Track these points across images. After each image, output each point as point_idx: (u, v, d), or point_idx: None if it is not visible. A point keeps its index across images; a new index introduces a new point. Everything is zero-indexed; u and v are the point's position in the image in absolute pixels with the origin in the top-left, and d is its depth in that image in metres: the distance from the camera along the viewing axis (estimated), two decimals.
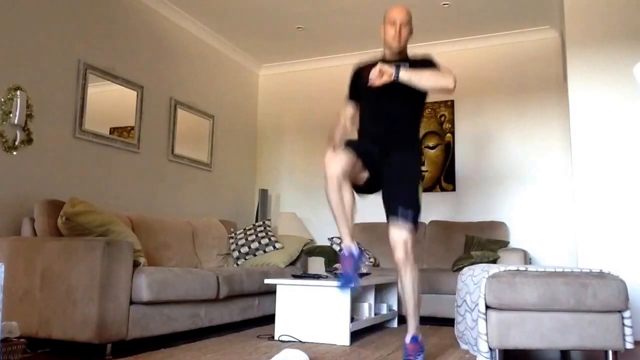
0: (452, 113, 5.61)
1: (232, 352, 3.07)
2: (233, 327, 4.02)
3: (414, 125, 2.91)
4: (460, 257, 4.66)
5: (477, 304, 2.67)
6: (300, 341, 3.47)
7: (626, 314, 2.60)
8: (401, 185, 2.73)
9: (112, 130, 4.39)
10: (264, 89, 6.53)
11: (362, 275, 3.93)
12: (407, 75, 2.62)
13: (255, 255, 4.78)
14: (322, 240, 5.70)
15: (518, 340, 2.60)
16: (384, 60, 2.92)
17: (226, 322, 3.89)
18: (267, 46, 5.91)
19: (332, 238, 5.11)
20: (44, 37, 3.81)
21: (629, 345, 2.59)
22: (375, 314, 4.06)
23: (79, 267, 2.95)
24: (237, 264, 4.78)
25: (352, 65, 3.21)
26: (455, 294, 3.30)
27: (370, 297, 4.08)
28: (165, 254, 4.14)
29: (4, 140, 3.45)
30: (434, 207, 5.51)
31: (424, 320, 4.44)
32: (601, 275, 2.66)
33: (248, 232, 4.93)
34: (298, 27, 5.40)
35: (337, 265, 4.32)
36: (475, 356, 2.73)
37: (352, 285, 2.59)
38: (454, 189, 5.51)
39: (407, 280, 2.65)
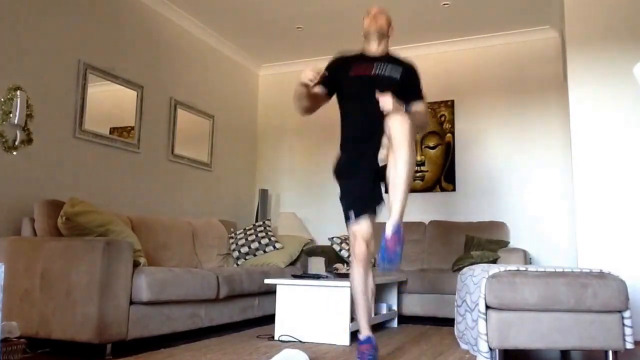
0: (452, 113, 5.61)
1: (232, 352, 3.07)
2: (233, 327, 4.02)
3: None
4: (460, 257, 4.66)
5: (477, 304, 2.67)
6: (300, 341, 3.47)
7: (626, 314, 2.60)
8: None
9: (112, 130, 4.39)
10: (264, 89, 6.53)
11: None
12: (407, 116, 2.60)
13: (255, 255, 4.78)
14: (322, 240, 5.70)
15: (518, 340, 2.60)
16: (364, 55, 2.98)
17: (226, 322, 3.89)
18: (267, 46, 5.91)
19: (332, 238, 5.11)
20: (44, 37, 3.81)
21: (629, 345, 2.59)
22: (375, 314, 4.06)
23: (79, 267, 2.95)
24: (237, 264, 4.78)
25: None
26: (455, 294, 3.30)
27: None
28: (165, 254, 4.14)
29: (4, 140, 3.45)
30: (434, 207, 5.52)
31: (425, 320, 4.47)
32: (601, 275, 2.66)
33: (248, 232, 4.93)
34: (298, 27, 5.40)
35: (336, 265, 4.32)
36: (475, 356, 2.73)
37: None
38: (454, 189, 5.51)
39: (370, 281, 2.72)
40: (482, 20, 5.20)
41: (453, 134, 5.58)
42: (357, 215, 2.68)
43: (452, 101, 5.62)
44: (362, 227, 2.63)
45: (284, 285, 3.66)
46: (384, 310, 4.21)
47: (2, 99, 3.45)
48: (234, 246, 4.84)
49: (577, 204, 3.95)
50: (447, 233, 5.20)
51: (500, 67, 5.50)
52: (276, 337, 3.54)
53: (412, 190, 5.65)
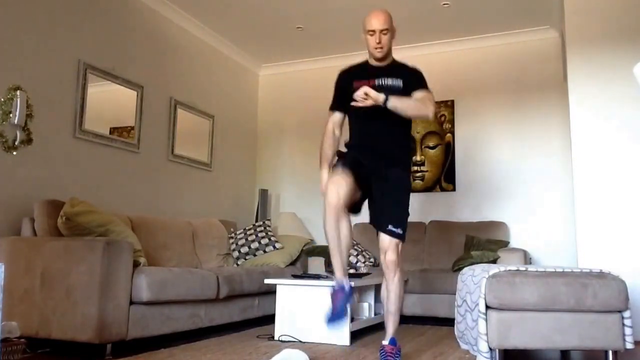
0: (452, 113, 5.61)
1: (232, 352, 3.07)
2: (233, 327, 4.02)
3: (402, 140, 2.91)
4: (460, 257, 4.66)
5: (477, 304, 2.67)
6: (300, 341, 3.47)
7: (626, 314, 2.60)
8: (393, 203, 2.77)
9: (112, 130, 4.39)
10: (264, 89, 6.53)
11: (362, 275, 3.93)
12: (394, 104, 2.62)
13: (255, 255, 4.78)
14: (322, 240, 5.69)
15: (518, 340, 2.60)
16: (368, 66, 2.87)
17: (226, 322, 3.89)
18: (267, 46, 5.91)
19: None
20: (44, 37, 3.81)
21: (629, 345, 2.59)
22: (376, 314, 4.06)
23: (79, 267, 2.94)
24: (237, 264, 4.78)
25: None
26: (455, 294, 3.30)
27: (370, 297, 4.08)
28: (165, 254, 4.14)
29: (4, 140, 3.45)
30: (434, 207, 5.52)
31: (425, 320, 4.47)
32: (601, 275, 2.66)
33: (248, 232, 4.93)
34: (298, 27, 5.40)
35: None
36: (475, 356, 2.73)
37: (342, 321, 2.56)
38: (454, 189, 5.51)
39: (395, 284, 2.69)
40: (482, 20, 5.20)
41: (453, 134, 5.58)
42: (342, 167, 2.73)
43: (452, 101, 5.62)
44: (339, 179, 2.67)
45: (284, 285, 3.66)
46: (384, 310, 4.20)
47: (2, 99, 3.45)
48: (234, 246, 4.84)
49: (577, 204, 3.95)
50: (447, 233, 5.20)
51: (500, 67, 5.50)
52: (276, 337, 3.54)
53: (412, 190, 5.64)
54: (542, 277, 2.63)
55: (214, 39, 5.63)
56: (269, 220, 5.21)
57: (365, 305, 3.90)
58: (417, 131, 5.71)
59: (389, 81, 2.78)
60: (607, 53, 3.99)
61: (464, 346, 3.09)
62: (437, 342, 3.53)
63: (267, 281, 3.80)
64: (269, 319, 4.11)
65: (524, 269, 2.73)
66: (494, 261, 4.38)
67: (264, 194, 5.94)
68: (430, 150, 5.65)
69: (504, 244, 4.82)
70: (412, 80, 2.82)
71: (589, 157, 3.96)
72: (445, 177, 5.55)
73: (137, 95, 4.61)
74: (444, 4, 4.87)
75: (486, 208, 5.32)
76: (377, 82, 2.77)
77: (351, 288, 2.63)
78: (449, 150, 5.57)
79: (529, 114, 5.32)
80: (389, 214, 2.71)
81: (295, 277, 3.82)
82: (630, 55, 3.83)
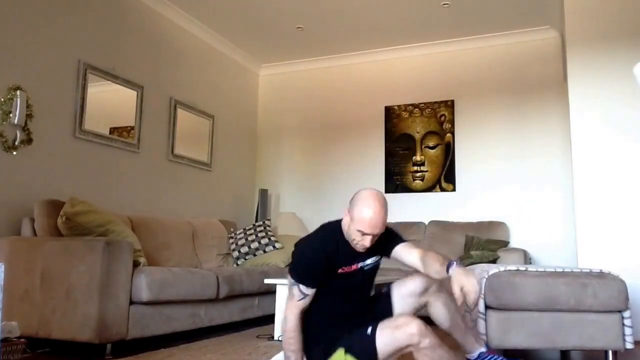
0: (452, 113, 5.61)
1: (232, 352, 3.07)
2: (233, 327, 4.02)
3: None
4: (460, 257, 4.66)
5: (477, 304, 2.67)
6: None
7: (626, 314, 2.60)
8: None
9: (112, 130, 4.39)
10: (264, 89, 6.53)
11: None
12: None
13: (255, 255, 4.78)
14: None
15: (518, 340, 2.60)
16: (348, 248, 2.32)
17: (226, 322, 3.89)
18: (267, 46, 5.91)
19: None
20: (44, 37, 3.81)
21: (629, 345, 2.59)
22: None
23: (79, 267, 2.94)
24: (237, 264, 4.78)
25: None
26: None
27: None
28: (165, 254, 4.14)
29: (4, 140, 3.45)
30: (434, 207, 5.52)
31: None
32: (601, 275, 2.66)
33: (248, 232, 4.93)
34: (298, 27, 5.40)
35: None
36: None
37: None
38: (454, 189, 5.51)
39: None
40: (482, 20, 5.20)
41: (453, 134, 5.58)
42: None
43: (452, 101, 5.62)
44: None
45: (284, 285, 3.66)
46: None
47: (2, 99, 3.45)
48: (233, 246, 4.84)
49: (577, 204, 3.95)
50: (447, 233, 5.19)
51: (500, 67, 5.50)
52: (276, 337, 3.54)
53: (412, 190, 5.66)
54: (542, 277, 2.63)
55: (214, 39, 5.63)
56: (268, 220, 5.21)
57: None
58: (417, 131, 5.72)
59: (369, 260, 2.38)
60: (607, 53, 3.99)
61: None
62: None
63: (267, 281, 3.80)
64: (269, 319, 4.10)
65: (524, 269, 2.73)
66: (494, 261, 4.38)
67: (263, 194, 5.94)
68: (430, 150, 5.65)
69: (504, 244, 4.82)
70: (387, 240, 2.43)
71: (588, 157, 3.96)
72: (445, 177, 5.55)
73: (137, 95, 4.61)
74: (444, 4, 4.87)
75: (486, 208, 5.32)
76: (360, 264, 2.35)
77: None
78: (449, 150, 5.57)
79: (528, 114, 5.32)
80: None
81: None
82: (630, 55, 3.83)
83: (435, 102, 5.66)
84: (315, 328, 2.27)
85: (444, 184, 5.55)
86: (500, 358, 2.40)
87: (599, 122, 3.96)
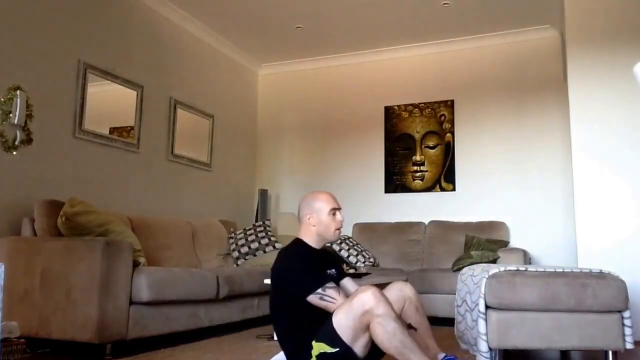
0: (452, 113, 5.61)
1: (232, 352, 3.07)
2: (233, 327, 4.02)
3: None
4: (460, 257, 4.66)
5: (477, 304, 2.67)
6: None
7: (626, 314, 2.60)
8: None
9: (112, 130, 4.39)
10: (263, 88, 6.53)
11: (362, 275, 3.93)
12: None
13: (255, 255, 4.78)
14: None
15: (518, 340, 2.60)
16: (315, 253, 2.40)
17: (226, 322, 3.89)
18: (266, 46, 5.91)
19: None
20: (44, 37, 3.81)
21: (629, 345, 2.59)
22: None
23: (79, 267, 2.94)
24: (237, 264, 4.78)
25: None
26: (455, 294, 3.30)
27: None
28: (165, 254, 4.14)
29: (4, 140, 3.45)
30: (434, 207, 5.52)
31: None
32: (601, 275, 2.66)
33: (248, 232, 4.92)
34: (298, 27, 5.40)
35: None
36: (475, 356, 2.73)
37: None
38: (454, 189, 5.51)
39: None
40: (482, 20, 5.20)
41: (453, 134, 5.58)
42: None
43: (452, 101, 5.62)
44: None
45: None
46: None
47: (2, 99, 3.45)
48: (233, 246, 4.83)
49: (577, 204, 3.95)
50: (447, 233, 5.20)
51: (500, 67, 5.50)
52: (276, 337, 3.53)
53: (412, 190, 5.66)
54: (542, 277, 2.63)
55: (214, 39, 5.63)
56: (268, 220, 5.21)
57: None
58: (417, 131, 5.72)
59: (334, 270, 2.45)
60: (607, 53, 3.99)
61: (463, 346, 3.09)
62: (436, 342, 3.52)
63: (267, 281, 3.78)
64: (269, 319, 4.09)
65: (523, 269, 2.73)
66: (494, 261, 4.38)
67: (263, 194, 5.94)
68: (430, 150, 5.65)
69: (504, 244, 4.82)
70: (341, 267, 2.53)
71: (588, 157, 3.96)
72: (445, 177, 5.55)
73: (137, 95, 4.61)
74: (444, 4, 4.86)
75: (486, 208, 5.32)
76: (329, 272, 2.42)
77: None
78: (449, 150, 5.57)
79: (528, 113, 5.32)
80: None
81: None
82: (630, 54, 3.83)
83: (435, 102, 5.66)
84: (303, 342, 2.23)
85: (444, 184, 5.55)
86: None
87: (598, 122, 3.96)
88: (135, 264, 3.19)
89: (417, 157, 5.68)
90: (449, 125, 5.61)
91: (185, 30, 5.27)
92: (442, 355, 2.43)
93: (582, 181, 3.95)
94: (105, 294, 2.91)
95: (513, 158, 5.32)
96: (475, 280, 2.79)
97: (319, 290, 2.20)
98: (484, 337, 2.61)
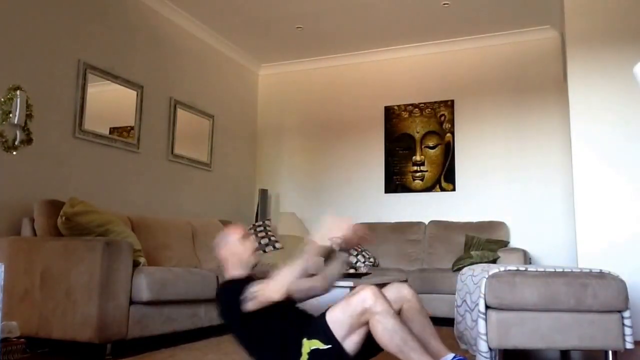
0: (452, 113, 5.61)
1: (232, 352, 3.07)
2: None
3: None
4: (460, 257, 4.66)
5: (477, 304, 2.67)
6: None
7: (626, 314, 2.60)
8: None
9: (112, 130, 4.39)
10: (263, 88, 6.53)
11: (362, 275, 3.93)
12: None
13: None
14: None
15: (518, 340, 2.60)
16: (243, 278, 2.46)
17: None
18: (266, 46, 5.91)
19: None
20: (44, 37, 3.81)
21: (629, 345, 2.59)
22: None
23: (79, 267, 2.94)
24: None
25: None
26: (455, 294, 3.30)
27: None
28: (165, 254, 4.14)
29: (4, 140, 3.45)
30: (434, 207, 5.52)
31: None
32: (601, 275, 2.66)
33: None
34: (298, 27, 5.40)
35: None
36: (475, 356, 2.73)
37: None
38: (454, 189, 5.51)
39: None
40: (482, 20, 5.20)
41: (453, 134, 5.58)
42: None
43: (452, 101, 5.62)
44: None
45: None
46: None
47: (2, 99, 3.45)
48: None
49: (577, 204, 3.95)
50: (447, 233, 5.20)
51: (500, 67, 5.50)
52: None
53: (412, 190, 5.66)
54: (542, 277, 2.63)
55: (214, 39, 5.63)
56: (269, 220, 5.21)
57: None
58: (417, 131, 5.72)
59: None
60: (607, 53, 3.99)
61: (463, 346, 3.09)
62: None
63: None
64: None
65: (524, 269, 2.73)
66: (494, 261, 4.38)
67: (264, 194, 5.94)
68: (430, 150, 5.65)
69: (504, 244, 4.82)
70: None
71: (588, 157, 3.96)
72: (445, 177, 5.55)
73: (137, 95, 4.61)
74: (444, 4, 4.87)
75: (486, 208, 5.32)
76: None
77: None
78: (448, 150, 5.57)
79: (528, 113, 5.32)
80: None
81: None
82: (630, 54, 3.83)
83: (435, 102, 5.66)
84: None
85: (444, 184, 5.55)
86: None
87: (598, 122, 3.96)
88: (135, 264, 3.19)
89: (417, 157, 5.68)
90: (449, 125, 5.61)
91: (185, 30, 5.27)
92: (452, 356, 2.30)
93: (582, 181, 3.95)
94: (105, 293, 2.91)
95: (513, 158, 5.32)
96: (475, 280, 2.79)
97: (246, 295, 2.20)
98: (484, 337, 2.61)
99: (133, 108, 4.58)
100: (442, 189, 5.55)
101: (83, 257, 2.95)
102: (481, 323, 2.62)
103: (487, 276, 2.66)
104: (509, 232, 5.12)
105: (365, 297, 2.07)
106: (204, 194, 5.47)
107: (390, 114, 5.85)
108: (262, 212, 5.83)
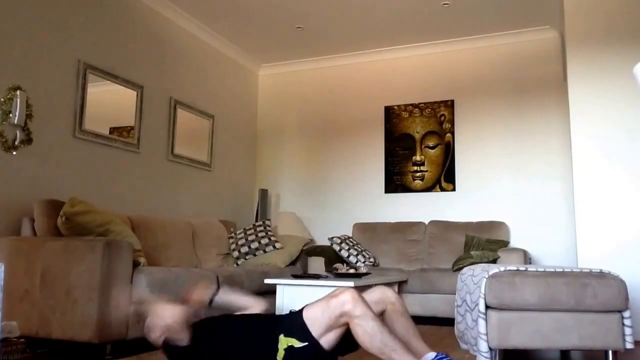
0: (452, 113, 5.61)
1: None
2: None
3: None
4: (460, 257, 4.66)
5: (477, 304, 2.67)
6: None
7: (626, 314, 2.60)
8: None
9: (112, 130, 4.39)
10: (263, 88, 6.53)
11: (362, 275, 3.93)
12: None
13: (255, 255, 4.78)
14: (322, 240, 5.70)
15: (518, 340, 2.60)
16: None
17: None
18: (266, 46, 5.91)
19: (332, 238, 5.11)
20: (44, 37, 3.81)
21: (629, 345, 2.59)
22: None
23: (79, 267, 2.94)
24: (237, 264, 4.78)
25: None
26: (455, 294, 3.30)
27: None
28: (165, 254, 4.14)
29: (4, 140, 3.45)
30: (434, 207, 5.52)
31: (425, 320, 4.46)
32: (601, 275, 2.66)
33: (248, 232, 4.92)
34: (298, 27, 5.40)
35: (336, 265, 4.32)
36: (475, 356, 2.73)
37: None
38: (454, 189, 5.51)
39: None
40: (482, 20, 5.20)
41: (453, 134, 5.58)
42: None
43: (452, 101, 5.62)
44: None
45: (284, 285, 3.66)
46: None
47: (2, 99, 3.45)
48: (233, 246, 4.84)
49: (577, 204, 3.95)
50: (447, 233, 5.20)
51: (500, 67, 5.50)
52: None
53: (412, 190, 5.66)
54: (542, 277, 2.63)
55: (214, 39, 5.63)
56: (269, 220, 5.21)
57: None
58: (417, 131, 5.72)
59: None
60: (607, 53, 3.99)
61: (463, 346, 3.09)
62: (436, 342, 3.53)
63: (267, 281, 3.80)
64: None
65: (524, 269, 2.73)
66: (494, 261, 4.38)
67: (264, 194, 5.94)
68: (430, 150, 5.65)
69: (504, 244, 4.82)
70: None
71: (588, 157, 3.96)
72: (445, 177, 5.56)
73: (137, 95, 4.61)
74: (444, 4, 4.87)
75: (486, 208, 5.32)
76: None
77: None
78: (448, 150, 5.57)
79: (528, 114, 5.32)
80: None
81: (295, 277, 3.81)
82: (630, 55, 3.84)
83: (435, 102, 5.66)
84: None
85: (444, 184, 5.55)
86: None
87: (599, 122, 3.96)
88: (135, 264, 3.19)
89: (417, 157, 5.68)
90: (449, 125, 5.61)
91: (185, 30, 5.27)
92: (433, 354, 2.34)
93: (582, 181, 3.95)
94: (106, 293, 2.91)
95: (513, 158, 5.32)
96: (475, 280, 2.79)
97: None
98: (484, 337, 2.61)
99: (133, 108, 4.58)
100: (442, 189, 5.55)
101: (83, 257, 2.95)
102: (481, 323, 2.62)
103: (487, 276, 2.66)
104: (509, 232, 5.12)
105: (345, 300, 2.07)
106: (204, 193, 5.47)
107: (390, 114, 5.85)
108: (262, 212, 5.83)
